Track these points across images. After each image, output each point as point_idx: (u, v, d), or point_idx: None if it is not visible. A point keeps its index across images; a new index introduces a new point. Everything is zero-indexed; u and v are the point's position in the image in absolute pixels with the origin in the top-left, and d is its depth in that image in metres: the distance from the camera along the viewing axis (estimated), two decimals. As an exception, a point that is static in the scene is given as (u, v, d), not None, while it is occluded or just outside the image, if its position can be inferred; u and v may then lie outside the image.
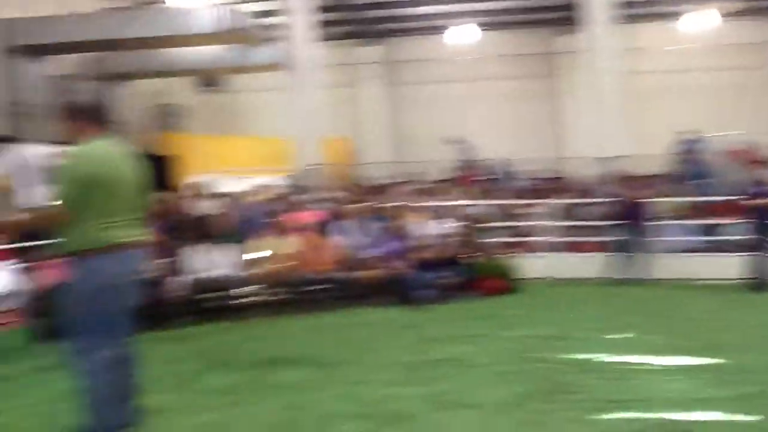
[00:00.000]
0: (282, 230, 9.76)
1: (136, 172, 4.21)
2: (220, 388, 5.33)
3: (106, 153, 4.08)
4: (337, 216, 10.80)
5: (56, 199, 3.91)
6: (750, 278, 10.18)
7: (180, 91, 24.17)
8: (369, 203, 11.86)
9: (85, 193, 3.91)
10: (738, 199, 10.84)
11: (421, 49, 24.13)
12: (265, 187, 14.08)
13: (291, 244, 9.63)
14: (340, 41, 24.14)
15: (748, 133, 16.31)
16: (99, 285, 3.96)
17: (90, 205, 3.93)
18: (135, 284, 4.16)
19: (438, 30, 23.87)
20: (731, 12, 20.43)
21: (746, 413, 4.48)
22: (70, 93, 4.70)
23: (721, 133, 16.82)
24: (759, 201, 10.22)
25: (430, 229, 10.71)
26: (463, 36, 22.61)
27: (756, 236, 10.25)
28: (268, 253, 9.10)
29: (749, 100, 22.17)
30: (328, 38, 22.23)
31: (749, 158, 14.86)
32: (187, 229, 9.21)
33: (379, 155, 23.59)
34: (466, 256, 10.20)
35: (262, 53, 19.45)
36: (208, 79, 23.75)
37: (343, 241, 9.95)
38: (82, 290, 3.95)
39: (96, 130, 4.09)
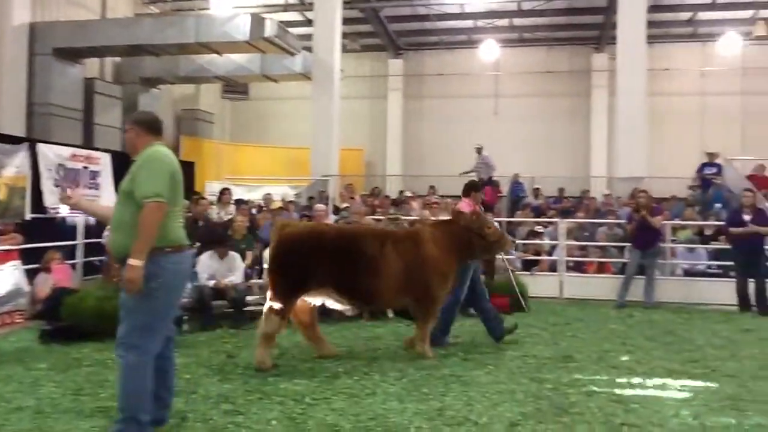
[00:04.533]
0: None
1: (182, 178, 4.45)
2: (218, 397, 5.34)
3: (173, 156, 4.40)
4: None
5: (153, 196, 4.09)
6: (742, 303, 10.30)
7: (206, 98, 24.52)
8: (384, 215, 11.88)
9: (170, 192, 4.20)
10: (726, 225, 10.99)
11: (445, 63, 24.19)
12: (280, 197, 14.18)
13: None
14: (365, 53, 24.31)
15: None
16: (171, 282, 4.25)
17: (171, 203, 4.22)
18: (186, 285, 4.43)
19: (464, 45, 23.94)
20: (760, 36, 20.25)
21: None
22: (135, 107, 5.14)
23: (745, 158, 16.70)
24: (739, 230, 10.41)
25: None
26: (490, 52, 22.61)
27: (739, 261, 10.47)
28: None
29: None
30: (353, 50, 22.44)
31: (766, 184, 14.71)
32: (199, 235, 9.26)
33: (398, 168, 23.69)
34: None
35: (289, 62, 19.70)
36: (235, 86, 24.07)
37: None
38: (155, 286, 4.13)
39: (153, 139, 4.42)
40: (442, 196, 15.71)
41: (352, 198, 15.52)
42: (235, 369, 6.27)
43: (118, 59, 20.02)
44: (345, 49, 20.13)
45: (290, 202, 13.72)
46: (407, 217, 11.97)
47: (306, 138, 18.86)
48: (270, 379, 5.90)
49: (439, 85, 24.26)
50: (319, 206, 11.94)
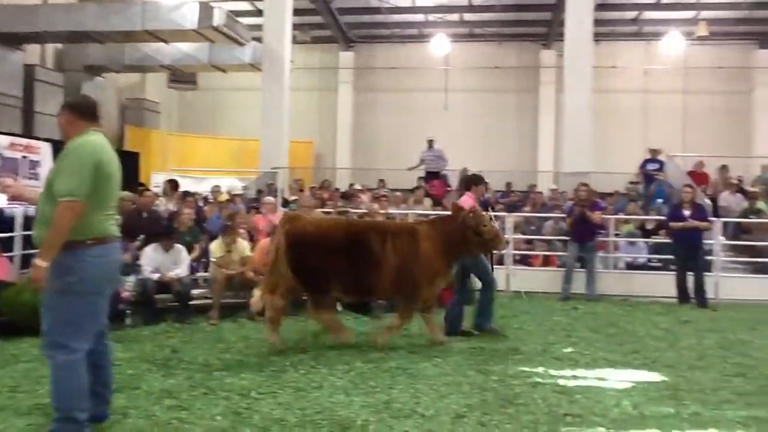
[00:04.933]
0: (242, 233, 9.67)
1: (119, 167, 4.27)
2: (161, 392, 5.23)
3: (104, 146, 4.18)
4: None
5: (65, 195, 3.91)
6: (681, 296, 10.64)
7: (152, 87, 23.98)
8: (333, 208, 11.83)
9: (92, 183, 3.99)
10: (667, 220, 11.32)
11: (396, 57, 24.17)
12: (227, 189, 13.99)
13: (252, 246, 9.57)
14: (316, 45, 24.14)
15: (713, 156, 16.68)
16: (92, 276, 4.05)
17: (95, 196, 4.02)
18: (116, 279, 4.27)
19: (415, 39, 23.98)
20: (702, 37, 20.85)
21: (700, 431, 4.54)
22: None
23: (686, 155, 17.20)
24: (679, 224, 10.73)
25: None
26: (440, 46, 22.73)
27: (679, 255, 10.79)
28: (225, 255, 8.98)
29: (716, 123, 22.62)
30: (303, 41, 22.26)
31: (705, 180, 15.21)
32: (143, 227, 9.07)
33: (348, 161, 23.63)
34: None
35: (238, 52, 19.42)
36: (182, 75, 23.59)
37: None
38: (75, 281, 3.97)
39: (88, 125, 4.20)
40: (392, 190, 15.76)
41: (301, 191, 15.41)
42: (179, 364, 6.16)
43: (60, 46, 19.40)
44: (295, 41, 19.93)
45: (237, 195, 13.53)
46: (357, 210, 11.92)
47: (255, 129, 18.63)
48: (215, 373, 5.82)
49: (390, 79, 24.24)
50: (268, 199, 11.83)
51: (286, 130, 17.88)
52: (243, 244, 9.25)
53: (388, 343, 6.96)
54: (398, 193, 14.80)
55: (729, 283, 11.32)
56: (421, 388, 5.44)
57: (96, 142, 4.13)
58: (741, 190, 14.66)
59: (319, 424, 4.56)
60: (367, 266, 6.73)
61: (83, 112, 4.23)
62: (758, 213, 13.26)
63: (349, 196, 14.94)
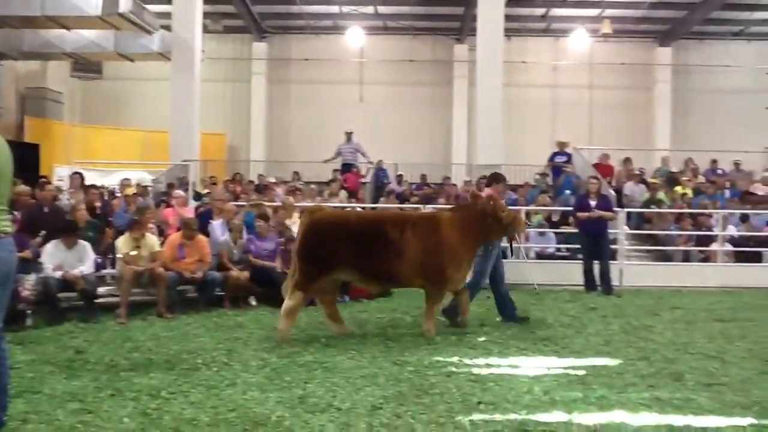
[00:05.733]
0: (150, 227, 9.36)
1: (10, 159, 4.01)
2: (64, 395, 4.98)
3: None
4: (212, 214, 10.48)
5: None
6: (588, 284, 11.03)
7: (54, 76, 22.85)
8: (247, 201, 11.63)
9: None
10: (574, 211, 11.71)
11: (311, 48, 23.95)
12: (136, 182, 13.53)
13: (161, 242, 9.28)
14: (228, 35, 23.64)
15: (617, 149, 17.38)
16: None
17: None
18: (9, 277, 4.00)
19: (330, 30, 23.84)
20: (606, 34, 21.67)
21: (606, 414, 4.66)
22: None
23: (592, 147, 17.85)
24: (585, 214, 11.11)
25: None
26: (355, 38, 22.70)
27: (585, 244, 11.17)
28: (132, 251, 8.66)
29: (619, 117, 23.59)
30: (215, 31, 21.76)
31: (610, 172, 15.84)
32: (44, 222, 8.63)
33: (262, 153, 23.30)
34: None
35: (146, 41, 18.75)
36: (86, 64, 22.56)
37: (215, 239, 9.65)
38: None
39: None
40: (307, 183, 15.63)
41: (214, 184, 15.07)
42: (85, 365, 5.90)
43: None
44: (206, 30, 19.45)
45: (145, 186, 13.09)
46: (271, 204, 11.76)
47: (164, 121, 18.07)
48: (123, 374, 5.60)
49: (305, 70, 24.02)
50: (178, 192, 11.51)
51: (196, 121, 17.44)
52: (152, 239, 8.95)
53: (433, 330, 7.24)
54: (313, 186, 14.70)
55: (632, 271, 11.84)
56: (337, 381, 5.40)
57: None
58: (643, 181, 15.36)
59: (233, 423, 4.44)
60: (389, 254, 6.99)
61: None
62: (659, 203, 13.93)
63: (262, 189, 14.72)
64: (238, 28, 23.68)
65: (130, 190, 12.57)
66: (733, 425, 4.44)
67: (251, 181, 16.64)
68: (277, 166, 20.62)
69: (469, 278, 7.97)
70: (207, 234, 9.66)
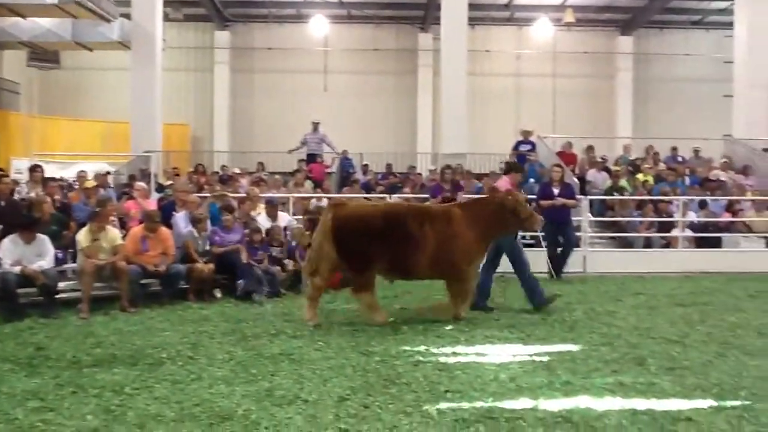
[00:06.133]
0: (112, 220, 9.19)
1: None
2: (24, 393, 4.87)
3: None
4: (175, 205, 10.33)
5: None
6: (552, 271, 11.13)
7: (10, 65, 22.24)
8: (210, 193, 11.49)
9: None
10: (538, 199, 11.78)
11: (275, 37, 23.74)
12: (98, 174, 13.28)
13: (123, 235, 9.11)
14: (189, 23, 23.29)
15: (580, 137, 17.57)
16: None
17: None
18: None
19: (293, 19, 23.64)
20: (569, 23, 21.86)
21: (571, 399, 4.72)
22: None
23: (555, 136, 18.01)
24: (548, 202, 11.26)
25: (274, 220, 10.53)
26: (319, 27, 22.55)
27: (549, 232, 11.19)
28: (93, 244, 8.48)
29: (582, 105, 23.86)
30: (176, 19, 21.42)
31: (573, 160, 16.01)
32: (1, 216, 8.41)
33: (226, 144, 23.06)
34: (308, 249, 10.12)
35: (105, 29, 18.38)
36: (44, 53, 21.99)
37: (179, 232, 9.52)
38: None
39: None
40: (272, 173, 15.51)
41: (177, 175, 14.86)
42: (45, 362, 5.78)
43: None
44: (167, 18, 19.15)
45: (105, 174, 12.86)
46: (235, 195, 11.64)
47: (126, 111, 17.76)
48: (85, 370, 5.49)
49: (268, 59, 23.80)
50: (139, 184, 11.32)
51: (158, 112, 17.18)
52: (113, 232, 8.77)
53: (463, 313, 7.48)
54: (278, 177, 14.59)
55: (596, 257, 12.00)
56: (304, 373, 5.38)
57: None
58: (605, 169, 15.55)
59: (198, 418, 4.39)
60: (408, 247, 7.14)
61: None
62: (621, 190, 14.12)
63: (226, 180, 14.56)
64: (199, 16, 23.33)
65: (90, 183, 12.33)
66: (693, 408, 4.53)
67: (215, 172, 16.45)
68: (241, 156, 20.44)
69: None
70: (170, 226, 9.52)
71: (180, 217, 9.73)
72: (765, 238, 12.84)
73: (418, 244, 7.16)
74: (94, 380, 5.19)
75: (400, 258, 7.22)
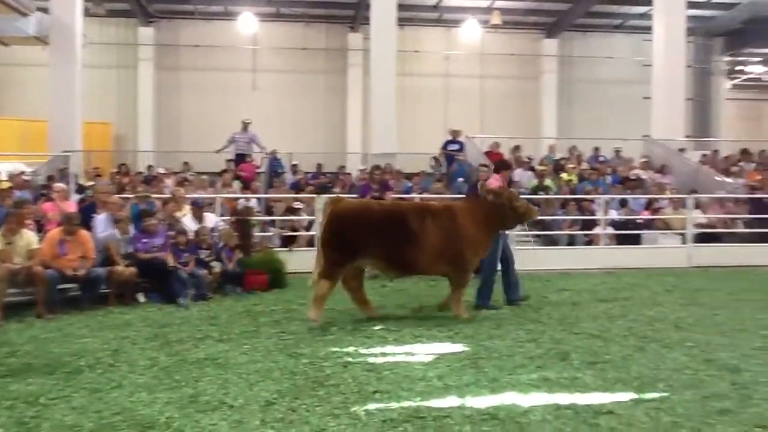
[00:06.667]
0: (28, 223, 8.79)
1: None
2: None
3: None
4: (96, 207, 9.98)
5: None
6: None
7: None
8: (133, 193, 11.16)
9: None
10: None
11: (202, 34, 23.25)
12: (13, 174, 12.69)
13: (39, 238, 8.73)
14: (112, 18, 22.56)
15: (507, 137, 17.87)
16: None
17: None
18: None
19: (221, 16, 23.22)
20: (496, 25, 22.24)
21: (498, 396, 4.79)
22: None
23: (483, 136, 18.29)
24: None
25: (200, 222, 10.30)
26: (247, 25, 22.22)
27: None
28: (6, 248, 8.09)
29: (509, 106, 24.33)
30: (97, 14, 20.75)
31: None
32: None
33: (150, 143, 22.44)
34: (235, 250, 9.96)
35: (21, 23, 17.61)
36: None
37: (100, 234, 9.19)
38: None
39: None
40: (199, 173, 15.18)
41: (99, 176, 14.37)
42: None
43: None
44: (88, 13, 18.52)
45: (20, 174, 12.32)
46: (160, 196, 11.34)
47: (44, 109, 17.05)
48: (-7, 380, 5.23)
49: (195, 57, 23.29)
50: (58, 185, 10.90)
51: (78, 110, 16.61)
52: (29, 236, 8.39)
53: (464, 312, 7.70)
54: (204, 177, 14.28)
55: (522, 255, 12.18)
56: (230, 377, 5.29)
57: None
58: (531, 169, 15.90)
59: (118, 427, 4.25)
60: (408, 243, 7.34)
61: None
62: (546, 189, 14.45)
63: (150, 180, 14.17)
64: (122, 11, 22.62)
65: (5, 183, 11.77)
66: (615, 401, 4.67)
67: (139, 173, 15.99)
68: (166, 156, 19.89)
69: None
70: (90, 229, 9.18)
71: (101, 219, 9.40)
72: (681, 234, 13.34)
73: (418, 240, 7.36)
74: (8, 391, 4.97)
75: (399, 253, 7.38)
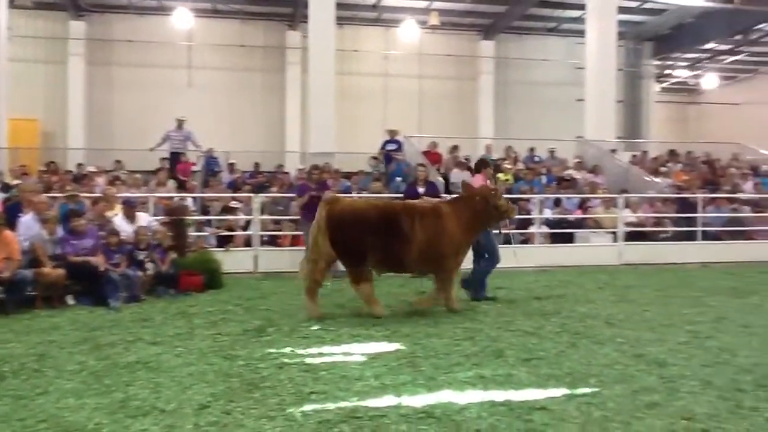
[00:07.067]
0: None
1: None
2: None
3: None
4: (22, 207, 9.60)
5: None
6: None
7: None
8: (62, 192, 10.78)
9: None
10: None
11: (135, 29, 22.65)
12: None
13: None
14: (39, 11, 21.77)
15: (445, 137, 18.05)
16: None
17: None
18: None
19: (155, 11, 22.68)
20: (434, 26, 22.43)
21: (434, 394, 4.81)
22: None
23: (421, 135, 18.42)
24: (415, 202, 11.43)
25: (132, 222, 10.03)
26: (183, 20, 21.78)
27: None
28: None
29: (447, 106, 24.58)
30: (24, 6, 20.02)
31: (438, 159, 16.44)
32: None
33: (81, 140, 21.74)
34: (169, 251, 9.73)
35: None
36: None
37: (26, 234, 8.85)
38: None
39: None
40: (131, 172, 14.79)
41: (25, 174, 13.84)
42: None
43: None
44: (13, 5, 17.84)
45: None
46: (90, 195, 10.99)
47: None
48: None
49: (129, 52, 22.68)
50: (-19, 183, 10.42)
51: (3, 105, 15.96)
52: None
53: (455, 304, 8.02)
54: (138, 176, 13.93)
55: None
56: (163, 381, 5.16)
57: None
58: (469, 168, 16.04)
59: (42, 435, 4.10)
60: (400, 242, 7.53)
61: None
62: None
63: (80, 178, 13.72)
64: (51, 4, 21.86)
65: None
66: (548, 397, 4.75)
67: (69, 171, 15.47)
68: (97, 154, 19.31)
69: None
70: (15, 229, 8.83)
71: (26, 220, 9.04)
72: (613, 233, 13.71)
73: (408, 239, 7.53)
74: (-77, 400, 4.72)
75: (392, 252, 7.56)
